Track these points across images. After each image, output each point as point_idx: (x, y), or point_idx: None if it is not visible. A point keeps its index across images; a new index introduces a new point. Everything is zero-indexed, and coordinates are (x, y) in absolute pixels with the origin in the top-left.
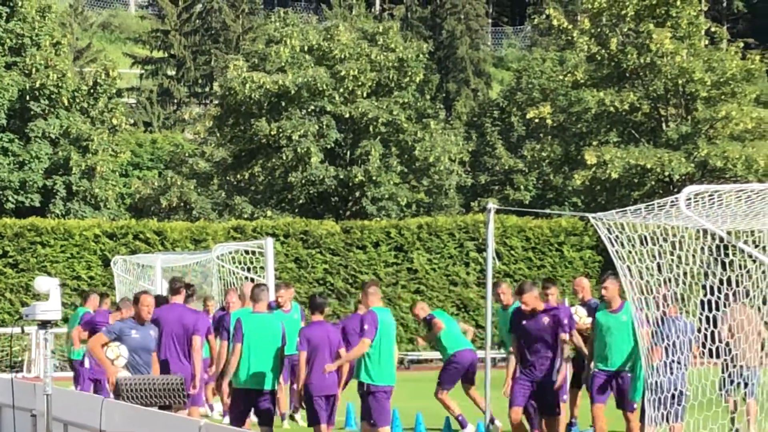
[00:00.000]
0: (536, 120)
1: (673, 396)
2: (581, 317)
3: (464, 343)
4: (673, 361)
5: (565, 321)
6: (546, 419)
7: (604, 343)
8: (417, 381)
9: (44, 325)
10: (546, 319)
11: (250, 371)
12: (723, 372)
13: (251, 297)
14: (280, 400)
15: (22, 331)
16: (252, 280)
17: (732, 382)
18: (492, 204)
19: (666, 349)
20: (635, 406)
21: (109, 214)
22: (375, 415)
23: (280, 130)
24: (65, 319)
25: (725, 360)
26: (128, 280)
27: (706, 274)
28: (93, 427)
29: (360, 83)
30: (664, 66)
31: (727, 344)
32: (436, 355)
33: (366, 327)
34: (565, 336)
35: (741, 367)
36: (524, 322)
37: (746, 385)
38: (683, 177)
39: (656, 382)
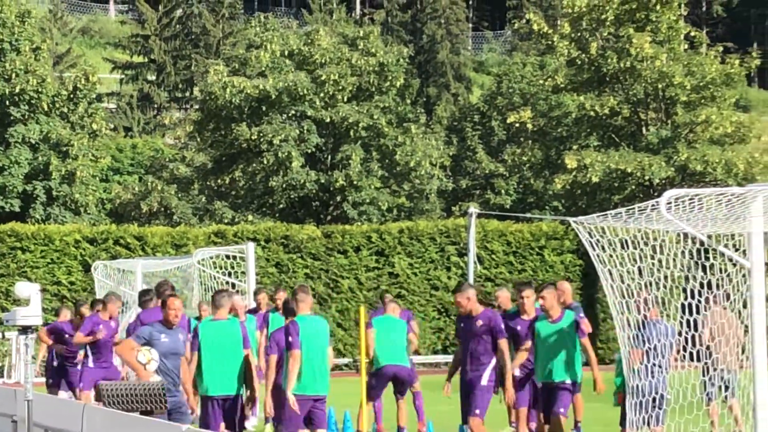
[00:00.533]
0: (517, 124)
1: (654, 399)
2: None
3: (391, 357)
4: (654, 364)
5: (502, 326)
6: (469, 419)
7: (546, 354)
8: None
9: (25, 330)
10: (479, 323)
11: (213, 379)
12: (704, 375)
13: (212, 304)
14: (267, 404)
15: (3, 337)
16: (233, 285)
17: (713, 385)
18: (473, 208)
19: (647, 352)
20: (561, 410)
21: (90, 220)
22: (283, 417)
23: (261, 134)
24: (45, 324)
25: (706, 363)
26: (109, 286)
27: (686, 278)
28: None
29: (340, 88)
30: (644, 70)
31: (708, 348)
32: (427, 359)
33: (290, 339)
34: (502, 342)
35: (722, 370)
36: (462, 324)
37: (727, 388)
38: (663, 181)
39: (637, 385)
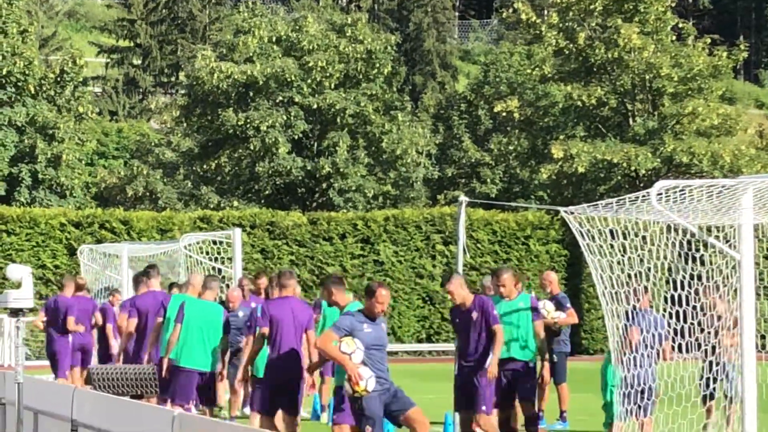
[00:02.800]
0: (503, 113)
1: (642, 391)
2: (549, 311)
3: None
4: (642, 355)
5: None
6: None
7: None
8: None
9: (16, 313)
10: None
11: (191, 353)
12: (708, 372)
13: (204, 285)
14: (322, 394)
15: None
16: (219, 270)
17: (715, 380)
18: (463, 197)
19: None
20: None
21: (75, 203)
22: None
23: (248, 120)
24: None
25: (710, 360)
26: (94, 270)
27: (676, 269)
28: (64, 416)
29: (328, 74)
30: (632, 61)
31: (713, 343)
32: (411, 347)
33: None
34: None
35: (725, 363)
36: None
37: (715, 380)
38: (649, 172)
39: (625, 377)
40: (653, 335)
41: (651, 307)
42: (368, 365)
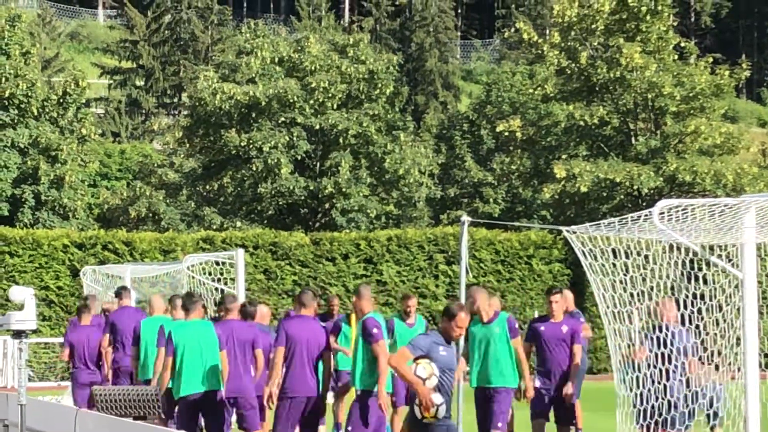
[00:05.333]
0: (506, 133)
1: (670, 403)
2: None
3: None
4: (676, 367)
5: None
6: None
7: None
8: None
9: (18, 334)
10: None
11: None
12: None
13: (182, 306)
14: (394, 425)
15: None
16: (222, 291)
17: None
18: (466, 217)
19: (664, 356)
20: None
21: (78, 224)
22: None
23: (250, 141)
24: (34, 331)
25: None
26: (97, 291)
27: (678, 288)
28: None
29: (330, 95)
30: (634, 80)
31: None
32: None
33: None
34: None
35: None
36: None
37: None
38: (652, 191)
39: (638, 394)
40: (678, 349)
41: (677, 321)
42: (440, 388)
